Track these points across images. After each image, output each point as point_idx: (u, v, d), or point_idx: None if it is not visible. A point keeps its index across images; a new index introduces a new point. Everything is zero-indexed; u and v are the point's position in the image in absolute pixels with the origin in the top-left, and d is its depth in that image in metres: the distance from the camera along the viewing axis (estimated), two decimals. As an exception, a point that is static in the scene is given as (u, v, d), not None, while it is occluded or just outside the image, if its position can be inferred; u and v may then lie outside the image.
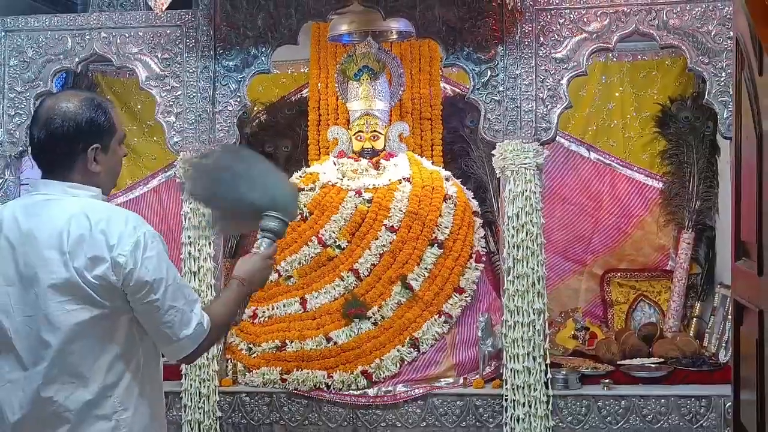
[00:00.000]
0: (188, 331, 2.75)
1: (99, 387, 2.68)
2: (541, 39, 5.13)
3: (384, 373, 5.31)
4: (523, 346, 5.03)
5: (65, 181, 2.74)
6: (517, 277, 5.06)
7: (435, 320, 5.46)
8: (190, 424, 5.23)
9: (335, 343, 5.40)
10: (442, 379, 5.38)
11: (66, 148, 2.73)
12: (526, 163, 5.08)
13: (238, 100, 5.36)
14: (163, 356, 2.89)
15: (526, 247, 5.07)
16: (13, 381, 2.69)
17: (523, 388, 5.03)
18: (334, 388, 5.28)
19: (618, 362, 5.51)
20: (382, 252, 5.57)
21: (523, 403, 5.02)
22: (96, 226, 2.64)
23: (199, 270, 5.27)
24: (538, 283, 5.07)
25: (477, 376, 5.34)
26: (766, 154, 2.81)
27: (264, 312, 5.61)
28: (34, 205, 2.73)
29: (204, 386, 5.24)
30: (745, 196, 3.18)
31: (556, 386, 5.14)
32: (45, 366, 2.65)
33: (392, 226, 5.60)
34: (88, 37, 5.46)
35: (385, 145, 5.98)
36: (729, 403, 4.37)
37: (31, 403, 2.67)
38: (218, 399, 5.29)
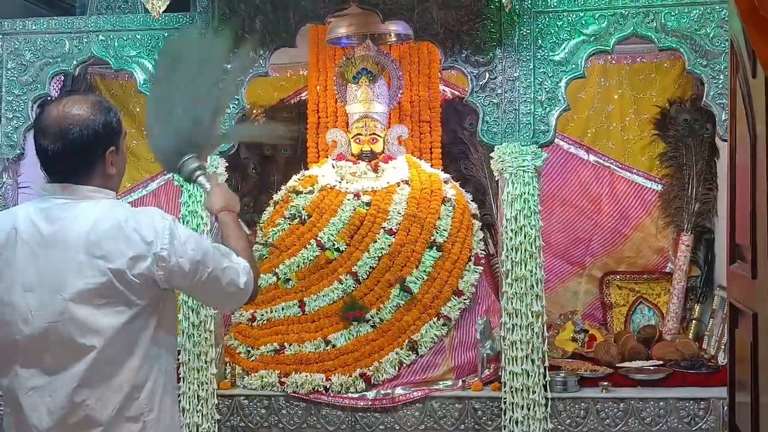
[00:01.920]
0: (245, 277, 2.81)
1: (129, 389, 2.66)
2: (539, 41, 5.12)
3: (383, 376, 5.31)
4: (521, 349, 5.03)
5: (84, 185, 2.70)
6: (516, 280, 5.06)
7: (434, 323, 5.46)
8: (189, 427, 5.23)
9: (334, 345, 5.40)
10: (440, 382, 5.38)
11: (86, 155, 2.69)
12: (524, 166, 5.08)
13: (237, 102, 5.36)
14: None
15: (525, 250, 5.06)
16: (38, 387, 2.65)
17: (522, 390, 5.03)
18: (332, 391, 5.28)
19: (617, 365, 5.50)
20: (380, 255, 5.56)
21: (522, 406, 5.02)
22: (127, 225, 2.63)
23: (197, 273, 5.26)
24: (537, 286, 5.07)
25: (476, 379, 5.34)
26: (759, 157, 2.81)
27: (262, 315, 5.60)
28: (52, 209, 2.68)
29: (202, 389, 5.25)
30: (740, 199, 3.17)
31: (554, 389, 5.14)
32: (81, 370, 2.61)
33: (391, 229, 5.59)
34: (85, 40, 5.47)
35: (383, 148, 5.98)
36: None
37: (62, 408, 2.63)
38: (217, 402, 5.30)
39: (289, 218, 5.77)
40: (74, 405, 2.63)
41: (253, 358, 5.48)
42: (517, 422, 5.03)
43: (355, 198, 5.72)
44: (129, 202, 6.63)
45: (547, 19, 5.13)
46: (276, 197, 5.98)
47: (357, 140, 5.95)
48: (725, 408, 4.79)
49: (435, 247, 5.59)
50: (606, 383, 5.22)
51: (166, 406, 2.76)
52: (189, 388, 5.25)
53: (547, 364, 5.07)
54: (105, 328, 2.60)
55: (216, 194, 3.09)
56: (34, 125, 2.77)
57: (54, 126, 2.66)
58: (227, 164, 5.48)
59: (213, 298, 2.87)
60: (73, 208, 2.67)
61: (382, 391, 5.30)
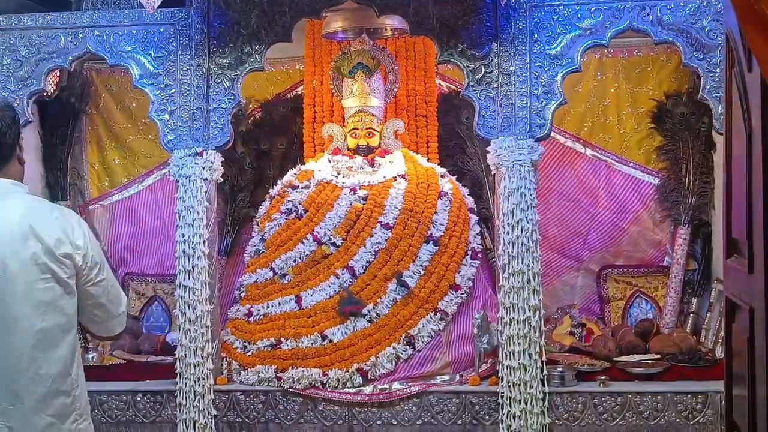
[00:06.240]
0: (123, 307, 3.26)
1: (64, 363, 3.03)
2: (535, 35, 5.12)
3: (379, 370, 5.31)
4: (519, 343, 5.03)
5: (7, 178, 3.11)
6: (513, 274, 5.05)
7: (431, 317, 5.45)
8: (185, 423, 5.23)
9: (330, 340, 5.40)
10: (437, 377, 5.38)
11: (4, 144, 3.08)
12: (520, 160, 5.07)
13: (232, 97, 5.35)
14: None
15: (522, 244, 5.06)
16: None
17: (519, 385, 5.02)
18: (329, 386, 5.28)
19: (614, 359, 5.51)
20: (377, 249, 5.56)
21: (519, 401, 5.02)
22: (51, 214, 3.09)
23: (193, 268, 5.25)
24: (534, 280, 5.06)
25: (473, 374, 5.33)
26: (755, 151, 2.79)
27: (259, 310, 5.60)
28: None
29: (199, 385, 5.24)
30: (736, 193, 3.16)
31: (552, 383, 5.14)
32: (20, 337, 2.94)
33: (387, 224, 5.59)
34: (81, 35, 5.45)
35: (380, 142, 5.97)
36: (725, 400, 4.36)
37: (10, 378, 2.94)
38: (213, 397, 5.29)
39: (285, 213, 5.78)
40: (19, 374, 2.95)
41: (249, 353, 5.48)
42: (514, 417, 5.03)
43: (352, 192, 5.72)
44: (126, 198, 6.75)
45: (542, 12, 5.13)
46: (272, 192, 5.98)
47: (353, 135, 5.94)
48: (723, 402, 4.81)
49: (432, 242, 5.58)
50: (603, 377, 5.22)
51: (83, 382, 3.17)
52: (186, 384, 5.25)
53: (544, 358, 5.07)
54: (37, 300, 2.97)
55: None
56: None
57: None
58: (223, 159, 5.47)
59: (94, 306, 3.16)
60: (3, 197, 3.04)
61: (379, 386, 5.29)
